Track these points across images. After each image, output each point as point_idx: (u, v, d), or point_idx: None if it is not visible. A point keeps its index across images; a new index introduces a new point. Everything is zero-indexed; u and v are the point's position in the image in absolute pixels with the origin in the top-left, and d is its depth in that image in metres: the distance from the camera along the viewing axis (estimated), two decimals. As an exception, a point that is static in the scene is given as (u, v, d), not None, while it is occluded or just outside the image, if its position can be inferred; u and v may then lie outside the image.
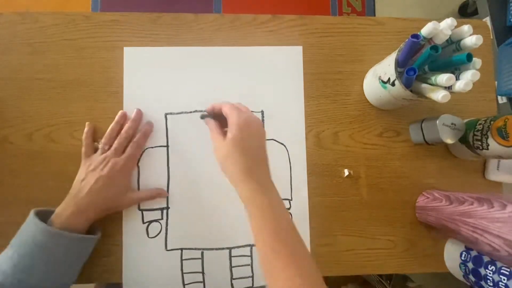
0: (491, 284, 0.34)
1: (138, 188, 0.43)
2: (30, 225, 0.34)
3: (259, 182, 0.31)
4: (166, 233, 0.42)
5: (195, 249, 0.42)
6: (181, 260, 0.42)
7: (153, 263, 0.41)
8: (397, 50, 0.36)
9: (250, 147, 0.32)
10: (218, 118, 0.38)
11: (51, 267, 0.34)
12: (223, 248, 0.42)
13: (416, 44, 0.33)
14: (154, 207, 0.42)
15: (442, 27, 0.32)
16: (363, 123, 0.46)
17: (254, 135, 0.33)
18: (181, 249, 0.42)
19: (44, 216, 0.35)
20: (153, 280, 0.41)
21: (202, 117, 0.40)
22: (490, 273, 0.35)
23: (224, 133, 0.35)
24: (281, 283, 0.27)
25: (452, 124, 0.40)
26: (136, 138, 0.41)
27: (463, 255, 0.39)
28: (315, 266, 0.29)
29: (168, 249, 0.42)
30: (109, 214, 0.40)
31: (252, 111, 0.37)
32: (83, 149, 0.41)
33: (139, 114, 0.43)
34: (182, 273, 0.42)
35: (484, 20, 0.97)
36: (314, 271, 0.29)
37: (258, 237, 0.30)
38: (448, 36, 0.33)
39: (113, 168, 0.38)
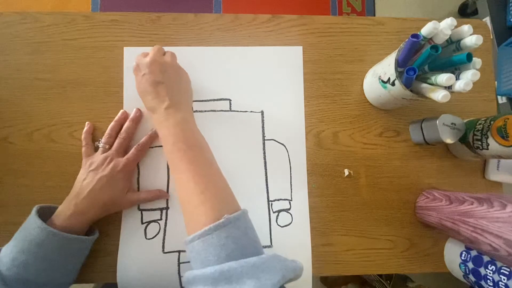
0: (491, 284, 0.34)
1: (138, 188, 0.43)
2: (30, 222, 0.34)
3: (159, 113, 0.36)
4: (164, 235, 0.42)
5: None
6: (178, 263, 0.41)
7: (149, 266, 0.41)
8: (397, 50, 0.36)
9: (153, 79, 0.36)
10: None
11: (48, 265, 0.34)
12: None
13: (416, 44, 0.33)
14: (154, 207, 0.42)
15: (442, 27, 0.32)
16: (363, 123, 0.46)
17: (144, 76, 0.36)
18: (179, 252, 0.42)
19: (46, 213, 0.36)
20: (149, 282, 0.41)
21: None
22: (490, 273, 0.35)
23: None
24: (180, 189, 0.33)
25: (452, 124, 0.40)
26: (142, 141, 0.41)
27: (463, 255, 0.39)
28: (214, 171, 0.34)
29: (165, 251, 0.41)
30: (109, 214, 0.40)
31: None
32: (83, 149, 0.41)
33: (139, 113, 0.43)
34: (179, 277, 0.41)
35: (484, 20, 0.97)
36: (209, 175, 0.33)
37: (165, 153, 0.35)
38: (448, 36, 0.33)
39: (114, 168, 0.38)
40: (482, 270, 0.36)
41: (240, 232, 0.29)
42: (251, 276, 0.25)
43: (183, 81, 0.40)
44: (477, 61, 0.33)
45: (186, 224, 0.32)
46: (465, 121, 0.41)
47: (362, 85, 0.46)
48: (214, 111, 0.44)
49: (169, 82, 0.37)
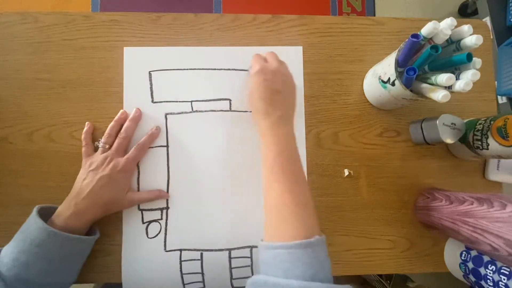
0: (491, 284, 0.34)
1: (138, 188, 0.43)
2: (31, 222, 0.34)
3: (271, 120, 0.36)
4: (166, 234, 0.42)
5: (194, 250, 0.42)
6: (180, 261, 0.42)
7: (152, 264, 0.41)
8: (397, 50, 0.36)
9: (262, 92, 0.36)
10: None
11: (49, 265, 0.34)
12: (222, 250, 0.42)
13: (416, 44, 0.33)
14: (154, 207, 0.42)
15: (442, 27, 0.32)
16: (363, 123, 0.46)
17: (266, 81, 0.36)
18: (180, 250, 0.42)
19: (47, 213, 0.36)
20: (153, 280, 0.41)
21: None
22: (490, 273, 0.35)
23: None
24: (273, 198, 0.33)
25: (452, 124, 0.40)
26: (142, 140, 0.41)
27: (463, 255, 0.39)
28: (306, 191, 0.33)
29: (167, 250, 0.42)
30: (109, 214, 0.40)
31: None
32: (83, 149, 0.41)
33: (138, 113, 0.43)
34: (182, 274, 0.42)
35: (484, 20, 0.97)
36: (305, 195, 0.33)
37: (263, 163, 0.36)
38: (448, 36, 0.33)
39: (114, 168, 0.38)
40: (482, 270, 0.36)
41: (324, 256, 0.30)
42: None
43: (294, 95, 0.40)
44: (477, 61, 0.33)
45: (269, 228, 0.32)
46: (465, 121, 0.41)
47: (362, 85, 0.46)
48: (214, 111, 0.44)
49: (286, 93, 0.38)
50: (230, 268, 0.42)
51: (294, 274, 0.27)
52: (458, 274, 0.40)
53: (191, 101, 0.44)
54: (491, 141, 0.37)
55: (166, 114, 0.44)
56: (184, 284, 0.41)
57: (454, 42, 0.34)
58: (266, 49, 0.45)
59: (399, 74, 0.36)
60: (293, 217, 0.31)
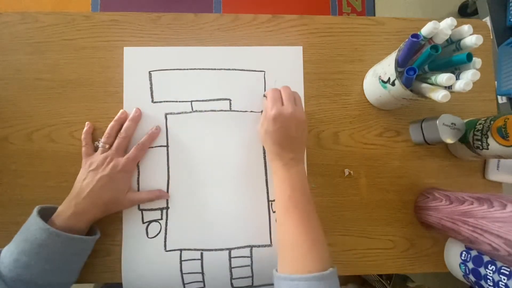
0: (491, 284, 0.34)
1: (138, 188, 0.43)
2: (31, 222, 0.34)
3: (283, 161, 0.39)
4: (166, 234, 0.42)
5: (195, 249, 0.42)
6: (180, 261, 0.42)
7: (152, 264, 0.41)
8: (397, 50, 0.36)
9: (277, 138, 0.39)
10: None
11: (50, 266, 0.34)
12: (222, 249, 0.42)
13: (416, 44, 0.33)
14: (154, 207, 0.42)
15: (442, 27, 0.32)
16: (363, 123, 0.46)
17: (281, 128, 0.38)
18: (180, 250, 0.42)
19: (47, 213, 0.36)
20: (153, 280, 0.41)
21: (264, 95, 0.44)
22: (490, 273, 0.35)
23: None
24: (290, 235, 0.35)
25: (452, 124, 0.40)
26: (142, 140, 0.41)
27: (463, 255, 0.39)
28: (319, 228, 0.36)
29: (167, 249, 0.42)
30: (109, 214, 0.40)
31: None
32: (83, 149, 0.41)
33: (138, 113, 0.43)
34: (182, 274, 0.42)
35: (484, 20, 0.97)
36: (318, 231, 0.36)
37: (277, 202, 0.39)
38: (448, 36, 0.33)
39: (114, 168, 0.38)
40: (482, 270, 0.36)
41: (336, 285, 0.32)
42: None
43: (306, 136, 0.41)
44: (477, 61, 0.33)
45: (286, 261, 0.35)
46: (465, 121, 0.41)
47: (362, 85, 0.46)
48: (214, 111, 0.44)
49: (299, 137, 0.39)
50: (230, 267, 0.42)
51: None
52: (458, 274, 0.40)
53: (191, 101, 0.44)
54: (491, 141, 0.37)
55: (166, 114, 0.44)
56: (184, 284, 0.41)
57: (454, 42, 0.34)
58: (266, 49, 0.45)
59: (399, 74, 0.36)
60: (309, 253, 0.33)
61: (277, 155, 0.39)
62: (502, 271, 0.33)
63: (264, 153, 0.44)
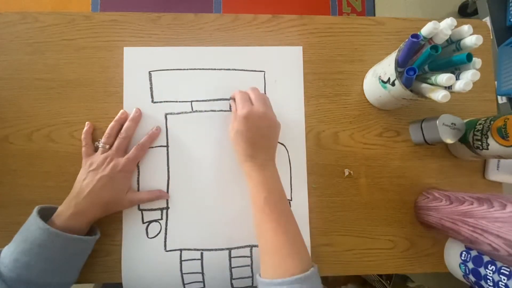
0: (491, 284, 0.34)
1: (138, 188, 0.43)
2: (31, 222, 0.34)
3: (257, 163, 0.38)
4: (166, 234, 0.42)
5: (195, 249, 0.42)
6: (180, 261, 0.42)
7: (153, 264, 0.41)
8: (397, 50, 0.36)
9: (249, 137, 0.38)
10: None
11: (50, 265, 0.34)
12: (222, 249, 0.42)
13: (416, 44, 0.33)
14: (154, 207, 0.42)
15: (442, 27, 0.32)
16: (363, 123, 0.46)
17: (253, 127, 0.38)
18: (180, 250, 0.42)
19: (47, 213, 0.36)
20: (153, 280, 0.41)
21: (230, 98, 0.44)
22: (490, 273, 0.35)
23: None
24: (269, 239, 0.35)
25: (452, 124, 0.40)
26: (142, 140, 0.41)
27: (463, 255, 0.39)
28: (297, 228, 0.36)
29: (167, 249, 0.42)
30: (109, 214, 0.40)
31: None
32: (83, 149, 0.41)
33: (139, 113, 0.43)
34: (182, 274, 0.42)
35: (484, 20, 0.97)
36: (296, 231, 0.36)
37: (253, 205, 0.38)
38: (448, 36, 0.33)
39: (114, 168, 0.38)
40: (482, 270, 0.36)
41: (318, 284, 0.33)
42: None
43: (277, 137, 0.41)
44: (477, 61, 0.33)
45: (268, 266, 0.35)
46: (465, 121, 0.41)
47: (362, 85, 0.46)
48: (214, 111, 0.44)
49: (271, 137, 0.39)
50: (230, 267, 0.42)
51: None
52: (458, 274, 0.40)
53: (191, 101, 0.44)
54: (491, 141, 0.37)
55: (166, 114, 0.44)
56: (184, 284, 0.41)
57: (454, 42, 0.34)
58: (266, 49, 0.45)
59: (399, 74, 0.36)
60: (289, 256, 0.33)
61: (249, 156, 0.38)
62: (502, 271, 0.33)
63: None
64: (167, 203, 0.43)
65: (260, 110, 0.38)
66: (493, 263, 0.35)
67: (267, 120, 0.38)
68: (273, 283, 0.32)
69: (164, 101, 0.44)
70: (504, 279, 0.33)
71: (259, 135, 0.38)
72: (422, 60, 0.34)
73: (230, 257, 0.42)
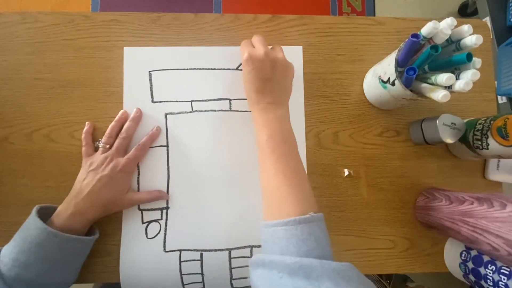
0: (491, 284, 0.34)
1: (138, 188, 0.43)
2: (30, 222, 0.34)
3: (260, 106, 0.37)
4: (165, 234, 0.42)
5: (194, 250, 0.42)
6: (180, 261, 0.42)
7: (151, 264, 0.41)
8: (397, 50, 0.36)
9: (251, 81, 0.37)
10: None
11: (49, 265, 0.34)
12: (222, 250, 0.42)
13: (416, 43, 0.33)
14: (154, 207, 0.42)
15: (442, 27, 0.32)
16: (363, 123, 0.46)
17: (253, 71, 0.37)
18: (180, 250, 0.42)
19: (46, 213, 0.36)
20: (152, 281, 0.41)
21: None
22: (490, 273, 0.35)
23: None
24: (269, 181, 0.34)
25: (452, 123, 0.40)
26: (142, 141, 0.41)
27: (463, 255, 0.39)
28: (300, 172, 0.34)
29: (166, 250, 0.42)
30: (109, 214, 0.40)
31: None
32: (83, 149, 0.41)
33: (139, 113, 0.43)
34: (181, 274, 0.41)
35: (484, 20, 0.97)
36: (298, 175, 0.34)
37: (258, 149, 0.37)
38: (448, 36, 0.33)
39: (114, 168, 0.38)
40: (482, 270, 0.36)
41: (321, 233, 0.30)
42: (331, 279, 0.25)
43: (288, 78, 0.40)
44: (477, 60, 0.33)
45: (266, 209, 0.34)
46: (465, 121, 0.41)
47: (362, 85, 0.46)
48: (214, 111, 0.44)
49: (276, 79, 0.38)
50: (230, 268, 0.42)
51: (289, 250, 0.28)
52: (458, 274, 0.40)
53: (191, 101, 0.44)
54: (491, 141, 0.37)
55: (166, 114, 0.44)
56: (183, 285, 0.41)
57: (454, 42, 0.34)
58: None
59: (399, 74, 0.36)
60: (288, 196, 0.32)
61: (253, 100, 0.38)
62: (502, 271, 0.33)
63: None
64: (167, 203, 0.43)
65: (261, 52, 0.37)
66: (493, 263, 0.35)
67: (269, 61, 0.37)
68: (269, 225, 0.31)
69: (164, 101, 0.44)
70: (504, 279, 0.33)
71: (261, 78, 0.37)
72: (422, 60, 0.34)
73: (230, 258, 0.42)
